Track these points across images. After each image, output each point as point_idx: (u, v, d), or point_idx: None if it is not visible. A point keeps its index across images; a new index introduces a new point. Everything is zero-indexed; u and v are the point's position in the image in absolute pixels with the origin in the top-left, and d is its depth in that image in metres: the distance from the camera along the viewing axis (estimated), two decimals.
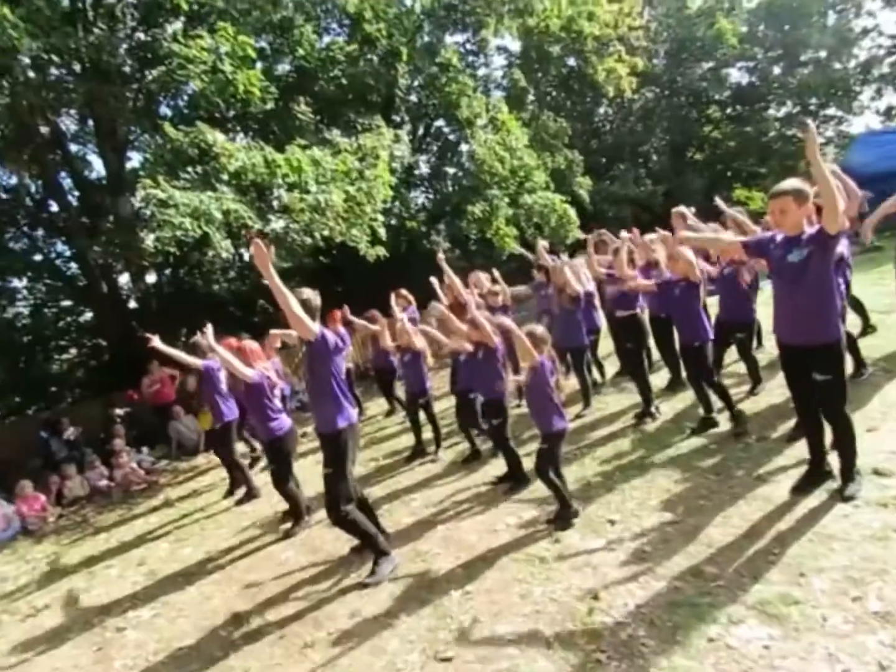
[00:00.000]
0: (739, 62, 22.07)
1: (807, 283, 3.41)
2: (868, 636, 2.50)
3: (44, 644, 4.22)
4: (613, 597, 3.16)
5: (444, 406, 7.21)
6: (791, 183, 3.48)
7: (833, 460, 3.74)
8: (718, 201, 6.54)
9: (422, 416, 6.19)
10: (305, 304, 3.74)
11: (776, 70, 22.14)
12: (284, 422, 5.07)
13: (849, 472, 3.60)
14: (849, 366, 5.18)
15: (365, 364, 11.57)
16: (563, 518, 4.06)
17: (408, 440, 6.62)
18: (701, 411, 5.19)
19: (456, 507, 4.81)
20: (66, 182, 12.48)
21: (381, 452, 6.76)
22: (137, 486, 7.90)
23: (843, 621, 2.62)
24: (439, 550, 4.14)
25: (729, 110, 23.56)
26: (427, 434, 6.26)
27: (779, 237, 3.63)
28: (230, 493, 6.47)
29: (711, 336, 5.07)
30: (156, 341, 6.10)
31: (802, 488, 3.72)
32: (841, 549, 3.11)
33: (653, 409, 5.70)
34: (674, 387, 6.41)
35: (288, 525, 5.13)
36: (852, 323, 5.79)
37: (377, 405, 9.11)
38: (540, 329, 4.21)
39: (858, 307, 6.14)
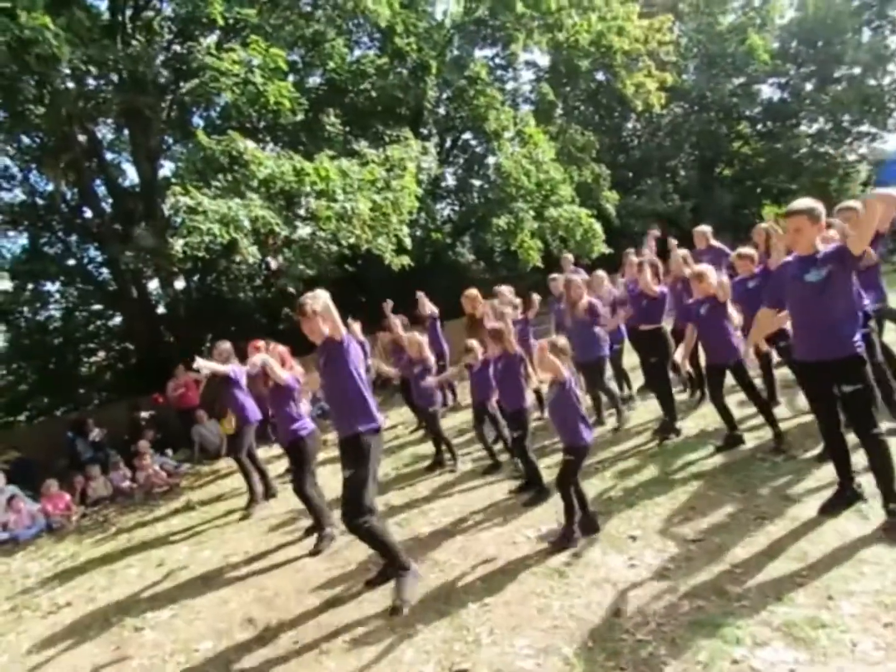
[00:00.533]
0: (771, 78, 21.81)
1: (828, 300, 3.35)
2: None
3: (64, 641, 4.26)
4: (634, 614, 3.09)
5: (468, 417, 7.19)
6: (805, 202, 3.47)
7: (862, 480, 3.63)
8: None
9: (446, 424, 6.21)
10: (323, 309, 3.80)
11: (808, 86, 21.82)
12: (308, 424, 5.09)
13: (891, 497, 3.37)
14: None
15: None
16: (564, 539, 3.96)
17: (427, 449, 6.61)
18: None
19: (475, 517, 4.78)
20: (101, 189, 12.84)
21: (400, 461, 6.75)
22: (159, 488, 7.99)
23: (874, 647, 2.53)
24: (457, 561, 4.10)
25: (759, 126, 23.26)
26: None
27: (790, 260, 3.60)
28: (267, 497, 6.41)
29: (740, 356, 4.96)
30: (200, 363, 6.02)
31: (831, 509, 3.62)
32: (872, 574, 3.00)
33: (677, 426, 5.62)
34: (696, 403, 6.32)
35: (313, 537, 5.06)
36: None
37: (398, 414, 9.11)
38: (562, 341, 4.15)
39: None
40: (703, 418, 5.90)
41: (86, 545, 6.42)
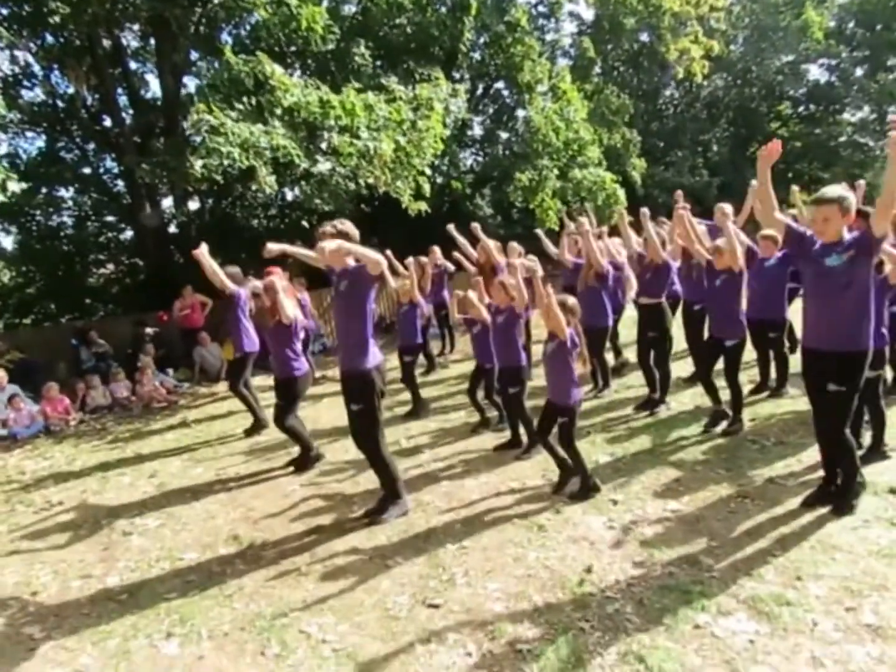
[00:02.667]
0: (821, 59, 21.00)
1: (844, 288, 3.27)
2: (856, 647, 2.48)
3: (53, 536, 4.41)
4: (606, 572, 3.17)
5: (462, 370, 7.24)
6: (836, 190, 3.35)
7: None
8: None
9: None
10: (348, 235, 3.85)
11: (858, 72, 21.02)
12: (303, 364, 5.19)
13: (848, 488, 3.53)
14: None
15: (391, 318, 11.63)
16: (584, 490, 4.05)
17: (425, 393, 6.69)
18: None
19: (463, 465, 4.87)
20: (122, 99, 12.59)
21: (395, 402, 6.83)
22: (158, 403, 8.13)
23: (834, 629, 2.60)
24: (441, 504, 4.19)
25: (801, 108, 22.57)
26: (438, 391, 6.30)
27: (817, 240, 3.52)
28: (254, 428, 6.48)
29: (746, 335, 4.96)
30: (202, 250, 5.93)
31: (812, 503, 3.62)
32: (843, 561, 3.06)
33: (667, 399, 5.65)
34: (696, 379, 6.32)
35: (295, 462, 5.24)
36: None
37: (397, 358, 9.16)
38: (571, 300, 4.15)
39: None
40: (700, 396, 5.89)
41: (82, 450, 6.58)
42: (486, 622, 2.87)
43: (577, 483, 4.12)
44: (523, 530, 3.70)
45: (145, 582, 3.62)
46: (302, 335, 5.41)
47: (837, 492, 3.58)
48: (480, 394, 5.70)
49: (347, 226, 3.90)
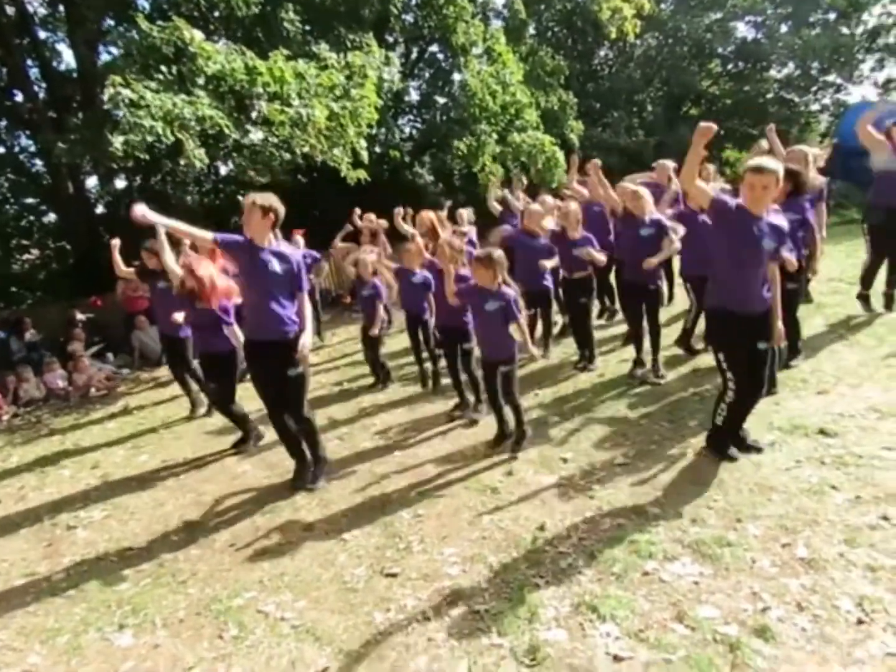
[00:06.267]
0: (748, 16, 21.38)
1: (769, 263, 3.53)
2: (791, 579, 2.63)
3: None
4: (558, 529, 3.26)
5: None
6: (774, 162, 3.42)
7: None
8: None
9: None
10: (277, 211, 3.81)
11: (783, 28, 21.51)
12: (231, 340, 4.94)
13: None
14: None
15: (337, 291, 11.46)
16: (521, 440, 4.31)
17: (364, 369, 6.63)
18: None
19: (415, 435, 4.88)
20: (34, 72, 11.78)
21: (345, 377, 6.77)
22: (97, 391, 7.82)
23: (771, 564, 2.75)
24: (395, 475, 4.20)
25: (730, 66, 23.00)
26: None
27: (740, 210, 3.50)
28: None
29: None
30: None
31: (748, 450, 3.81)
32: (778, 500, 3.23)
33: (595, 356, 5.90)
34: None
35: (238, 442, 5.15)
36: None
37: (346, 332, 9.08)
38: (498, 252, 4.16)
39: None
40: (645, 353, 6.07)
41: (17, 445, 6.28)
42: (444, 587, 2.91)
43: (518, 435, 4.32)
44: (476, 494, 3.76)
45: (93, 575, 3.52)
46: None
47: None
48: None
49: (270, 198, 3.81)
